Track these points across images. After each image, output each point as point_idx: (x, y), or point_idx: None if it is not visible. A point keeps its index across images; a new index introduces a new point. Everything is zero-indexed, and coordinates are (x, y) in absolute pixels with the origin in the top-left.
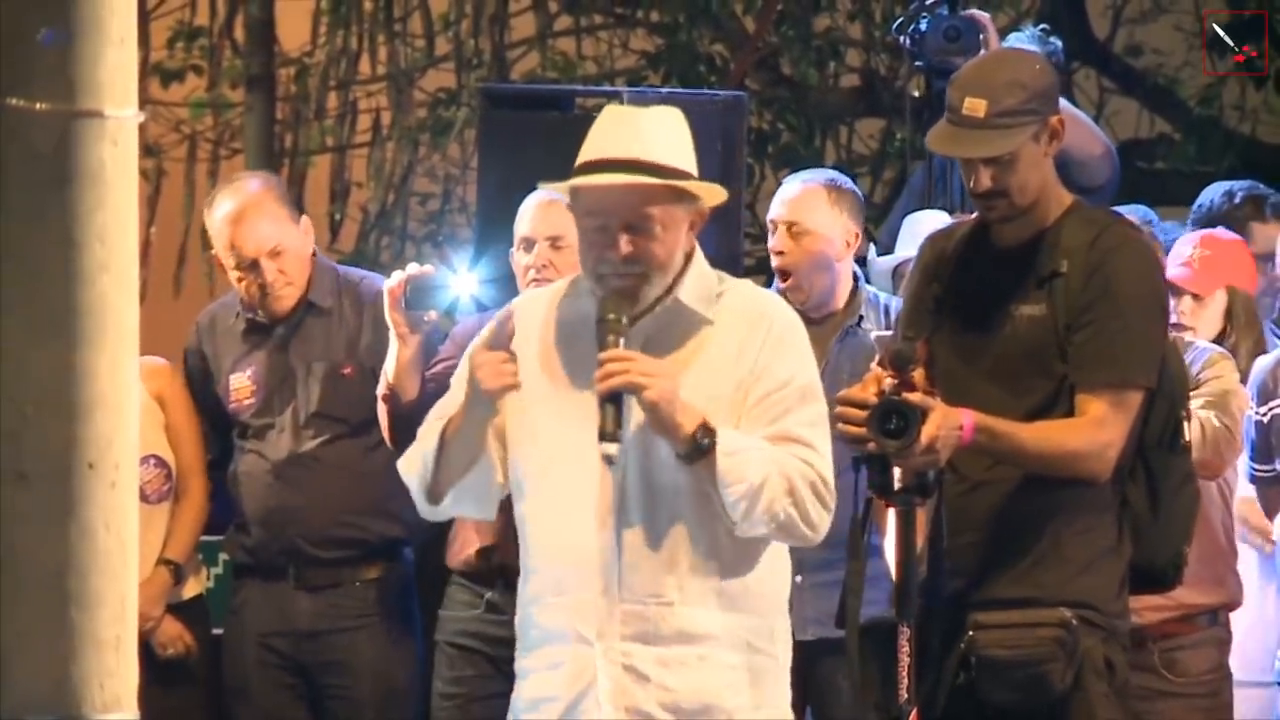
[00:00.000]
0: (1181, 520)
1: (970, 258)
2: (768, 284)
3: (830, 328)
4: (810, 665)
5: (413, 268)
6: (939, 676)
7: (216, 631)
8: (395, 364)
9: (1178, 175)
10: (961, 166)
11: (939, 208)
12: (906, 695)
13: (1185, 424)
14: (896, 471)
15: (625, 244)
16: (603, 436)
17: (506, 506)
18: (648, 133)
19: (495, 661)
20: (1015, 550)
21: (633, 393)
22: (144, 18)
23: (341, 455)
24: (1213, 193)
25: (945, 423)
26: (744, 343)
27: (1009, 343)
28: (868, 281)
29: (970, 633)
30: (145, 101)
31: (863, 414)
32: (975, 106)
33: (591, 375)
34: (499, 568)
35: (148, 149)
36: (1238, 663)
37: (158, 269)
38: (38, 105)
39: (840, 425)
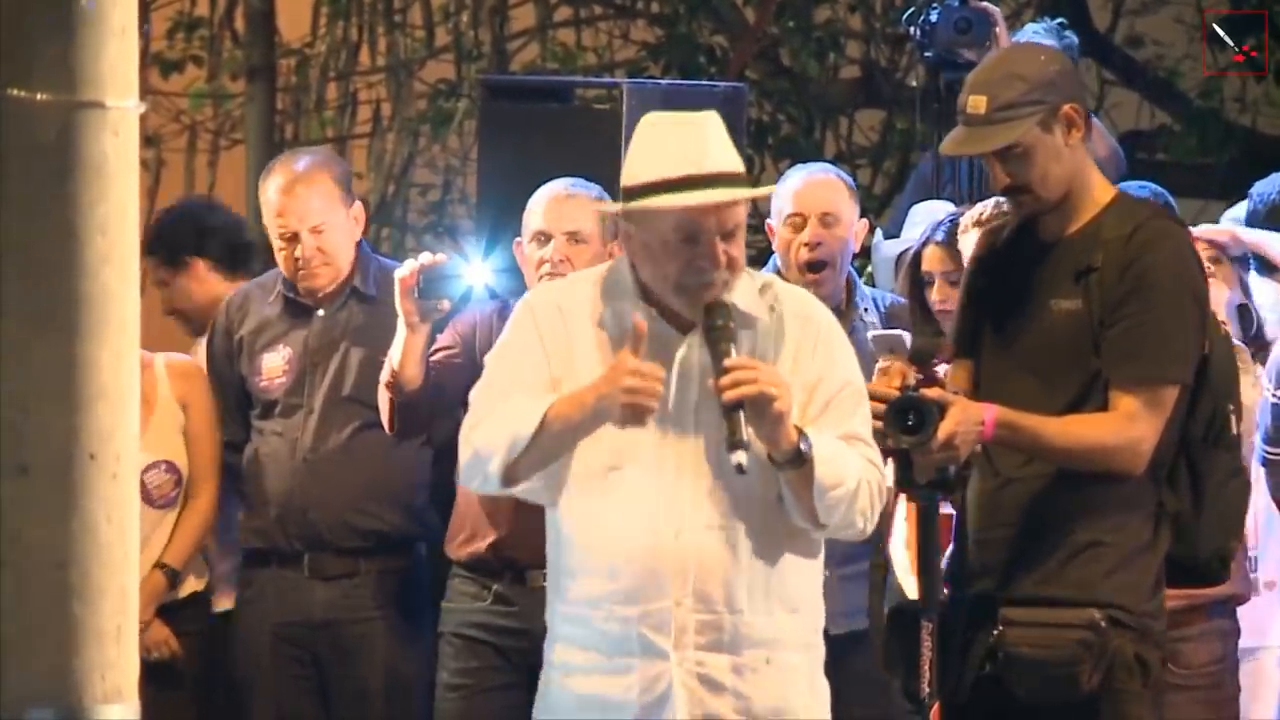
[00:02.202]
0: (1229, 515)
1: (1015, 251)
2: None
3: (844, 321)
4: (840, 659)
5: (425, 257)
6: (963, 668)
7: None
8: (402, 352)
9: (1178, 167)
10: (985, 165)
11: (946, 196)
12: (929, 689)
13: (1233, 418)
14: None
15: (722, 254)
16: (734, 446)
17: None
18: (714, 141)
19: (503, 652)
20: (1047, 547)
21: (759, 403)
22: (144, 8)
23: (369, 444)
24: (1271, 186)
25: (965, 419)
26: (799, 345)
27: (1046, 337)
28: (869, 269)
29: (999, 628)
30: (145, 92)
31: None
32: (977, 104)
33: (661, 379)
34: (509, 560)
35: (148, 140)
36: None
37: None
38: (39, 96)
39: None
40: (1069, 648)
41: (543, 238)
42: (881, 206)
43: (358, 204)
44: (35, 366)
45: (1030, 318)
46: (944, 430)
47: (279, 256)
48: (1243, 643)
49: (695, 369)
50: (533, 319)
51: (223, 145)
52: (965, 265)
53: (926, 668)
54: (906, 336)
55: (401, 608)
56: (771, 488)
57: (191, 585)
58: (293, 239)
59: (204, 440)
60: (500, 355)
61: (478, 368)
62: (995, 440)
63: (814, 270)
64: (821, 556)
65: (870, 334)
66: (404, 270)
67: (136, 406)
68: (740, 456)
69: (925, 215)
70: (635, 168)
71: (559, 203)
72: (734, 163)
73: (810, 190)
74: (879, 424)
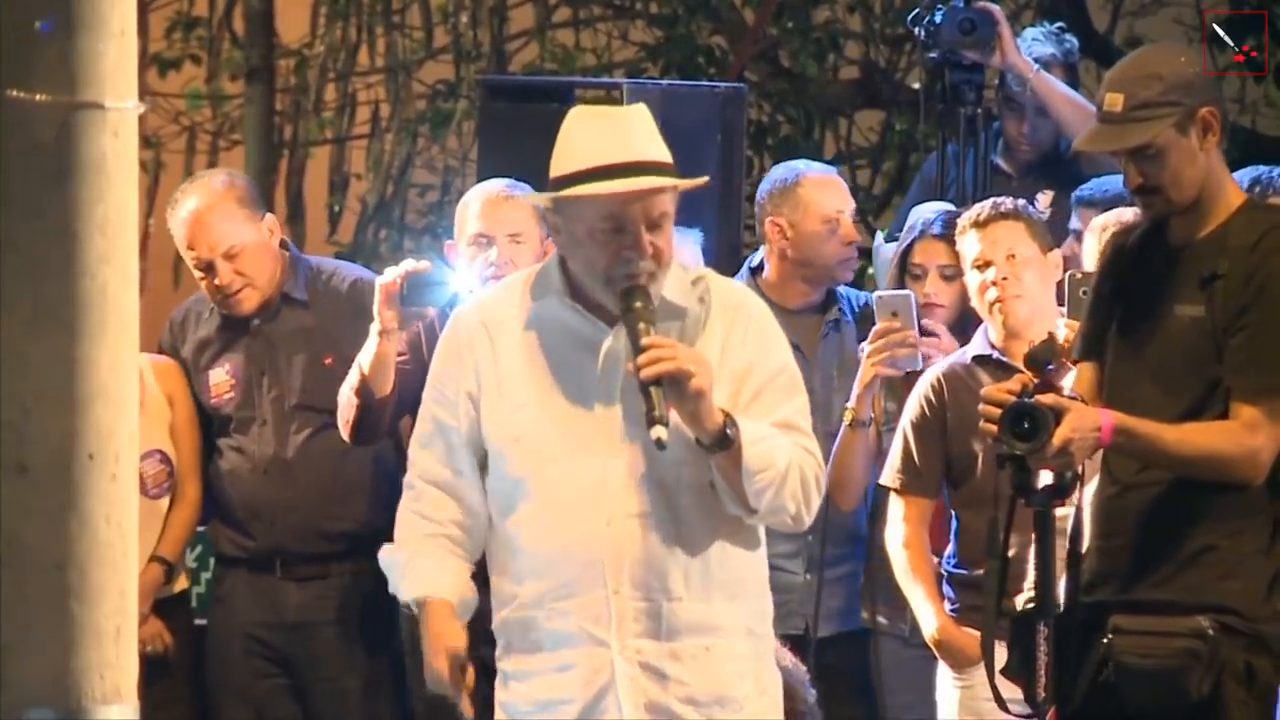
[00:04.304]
0: None
1: (1143, 255)
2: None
3: (816, 323)
4: (826, 661)
5: (408, 264)
6: (1076, 673)
7: (200, 622)
8: (374, 358)
9: None
10: (1119, 164)
11: (950, 197)
12: (1044, 694)
13: None
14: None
15: (648, 243)
16: (653, 421)
17: None
18: (640, 132)
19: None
20: (1162, 553)
21: (677, 379)
22: (143, 9)
23: (325, 447)
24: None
25: (1081, 425)
26: (728, 334)
27: (1168, 342)
28: (870, 270)
29: (1109, 636)
30: (144, 93)
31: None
32: (1114, 101)
33: (582, 376)
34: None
35: (146, 140)
36: None
37: (156, 260)
38: (38, 97)
39: (982, 424)
40: (1176, 656)
41: (483, 240)
42: (880, 207)
43: (270, 216)
44: (34, 366)
45: (1155, 322)
46: (1059, 437)
47: (201, 285)
48: None
49: (621, 360)
50: (456, 341)
51: (222, 146)
52: (968, 266)
53: (1043, 672)
54: (913, 297)
55: (376, 606)
56: (703, 474)
57: (181, 582)
58: (208, 268)
59: (188, 435)
60: (428, 394)
61: (426, 372)
62: (1112, 447)
63: (850, 280)
64: (763, 546)
65: (875, 294)
66: (387, 278)
67: (136, 406)
68: (659, 432)
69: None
70: (561, 159)
71: (496, 204)
72: (659, 153)
73: (844, 191)
74: (993, 429)
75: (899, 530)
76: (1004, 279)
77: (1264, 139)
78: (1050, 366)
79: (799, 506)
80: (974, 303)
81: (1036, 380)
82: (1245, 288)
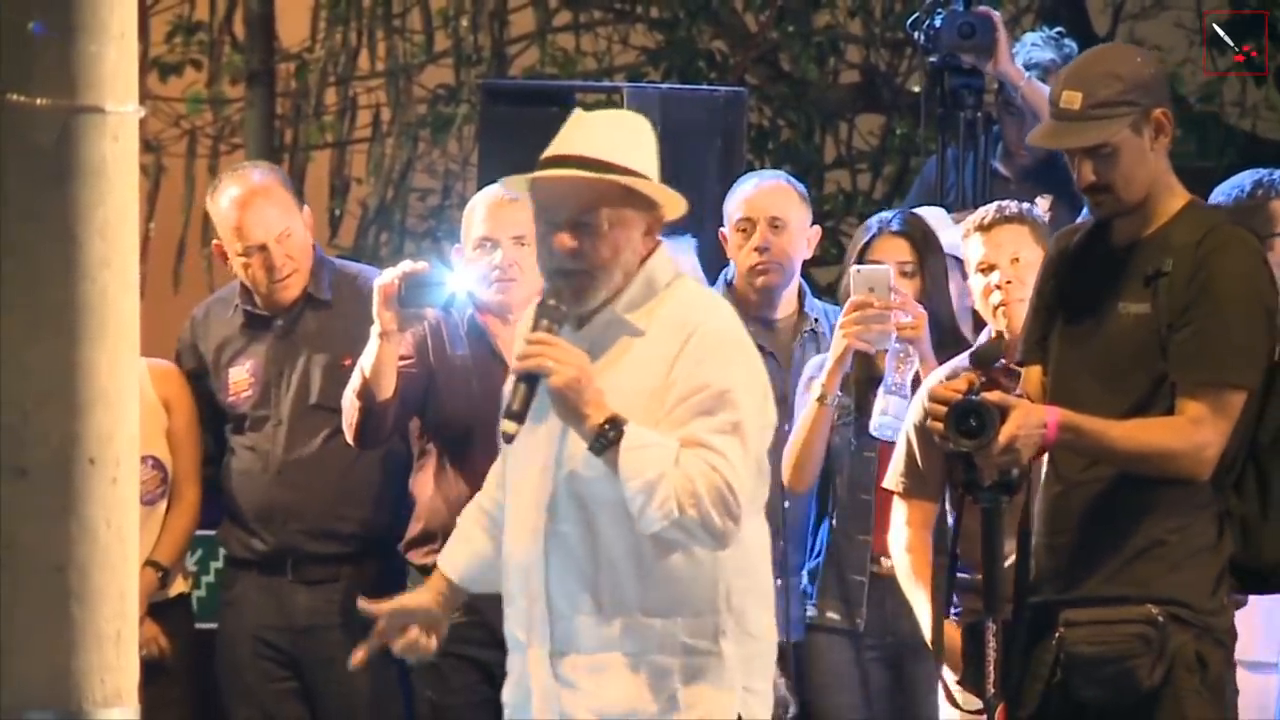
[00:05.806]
0: None
1: (1086, 254)
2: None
3: (791, 330)
4: (798, 665)
5: (406, 265)
6: (1025, 673)
7: (205, 626)
8: (375, 361)
9: (1177, 171)
10: (1068, 161)
11: (949, 201)
12: (993, 690)
13: None
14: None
15: (568, 239)
16: (506, 414)
17: None
18: (602, 133)
19: (478, 664)
20: (1109, 549)
21: (545, 376)
22: (143, 12)
23: (341, 450)
24: (1223, 193)
25: (1026, 422)
26: (665, 350)
27: (1114, 340)
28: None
29: (1061, 630)
30: (144, 96)
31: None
32: (1071, 99)
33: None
34: None
35: (147, 144)
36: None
37: (157, 264)
38: (39, 101)
39: (929, 422)
40: (1127, 643)
41: (487, 244)
42: (880, 211)
43: (307, 208)
44: (34, 370)
45: (1099, 320)
46: (1005, 433)
47: (243, 272)
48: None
49: None
50: None
51: (222, 150)
52: (972, 269)
53: (991, 668)
54: (890, 272)
55: None
56: (619, 488)
57: (179, 586)
58: (261, 250)
59: (187, 440)
60: None
61: (432, 377)
62: (1059, 444)
63: (759, 276)
64: (715, 560)
65: (852, 268)
66: (384, 279)
67: (136, 410)
68: (505, 425)
69: None
70: None
71: (501, 207)
72: (611, 153)
73: (757, 197)
74: (940, 426)
75: (902, 534)
76: (1008, 282)
77: (1264, 142)
78: (998, 364)
79: (685, 519)
80: (978, 306)
81: (983, 378)
82: (1190, 284)
